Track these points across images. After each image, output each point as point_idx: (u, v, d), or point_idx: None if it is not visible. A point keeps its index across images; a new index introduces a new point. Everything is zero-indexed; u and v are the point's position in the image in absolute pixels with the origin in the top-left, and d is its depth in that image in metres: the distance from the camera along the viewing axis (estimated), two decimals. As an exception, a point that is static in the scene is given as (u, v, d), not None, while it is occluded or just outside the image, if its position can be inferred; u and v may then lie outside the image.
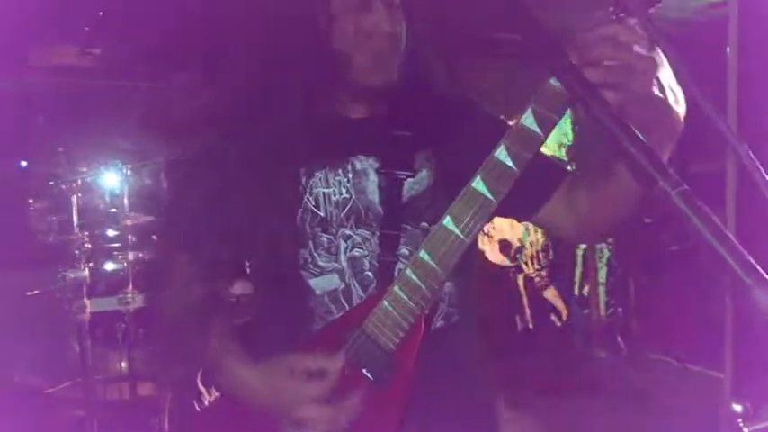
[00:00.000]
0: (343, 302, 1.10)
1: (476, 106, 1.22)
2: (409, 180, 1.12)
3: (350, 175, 1.12)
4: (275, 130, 1.07)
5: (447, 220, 0.97)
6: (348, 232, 1.11)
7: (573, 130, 4.42)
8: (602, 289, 4.27)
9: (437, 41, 1.17)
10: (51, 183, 3.35)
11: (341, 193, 1.12)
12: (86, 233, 3.30)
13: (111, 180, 3.52)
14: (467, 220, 0.96)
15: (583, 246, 4.26)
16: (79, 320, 3.17)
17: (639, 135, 0.68)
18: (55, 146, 3.35)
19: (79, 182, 3.33)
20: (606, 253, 4.28)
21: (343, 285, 1.10)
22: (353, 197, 1.11)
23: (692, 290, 3.71)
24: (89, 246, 3.29)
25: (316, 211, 1.11)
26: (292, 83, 1.07)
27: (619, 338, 4.10)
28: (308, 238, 1.10)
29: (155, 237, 1.33)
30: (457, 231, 0.96)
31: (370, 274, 1.10)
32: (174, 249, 1.13)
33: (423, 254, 0.98)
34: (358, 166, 1.13)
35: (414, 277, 0.98)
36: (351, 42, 1.07)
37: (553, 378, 3.80)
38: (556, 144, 4.43)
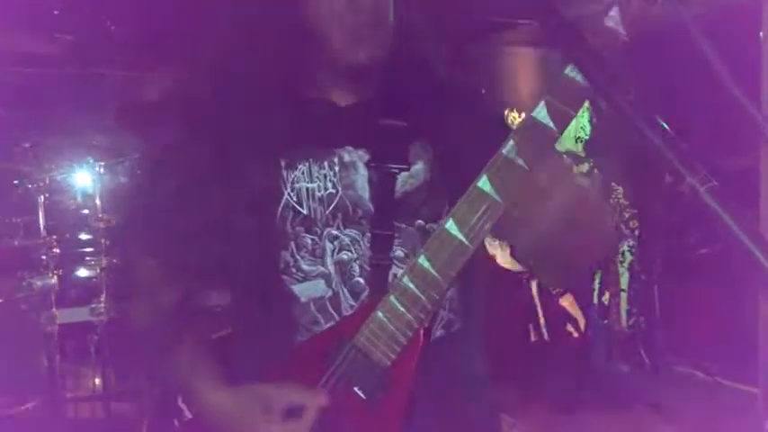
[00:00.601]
0: (332, 312, 1.08)
1: (479, 93, 1.21)
2: (403, 174, 1.10)
3: (336, 168, 1.10)
4: (251, 116, 1.04)
5: (450, 224, 0.96)
6: (335, 232, 1.09)
7: (590, 123, 4.41)
8: (623, 297, 4.25)
9: (436, 19, 1.15)
10: (16, 182, 3.34)
11: (326, 188, 1.09)
12: (55, 237, 3.29)
13: (83, 179, 3.51)
14: (472, 224, 0.95)
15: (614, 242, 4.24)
16: (47, 333, 3.16)
17: (666, 127, 0.68)
18: (20, 141, 3.34)
19: (47, 180, 3.32)
20: (628, 257, 4.27)
21: (330, 293, 1.08)
22: (340, 192, 1.09)
23: (723, 297, 3.69)
24: (57, 250, 3.28)
25: (298, 208, 1.08)
26: (268, 64, 1.05)
27: (642, 351, 4.09)
28: (289, 238, 1.08)
29: (121, 239, 1.32)
30: (461, 237, 0.95)
31: (360, 279, 1.08)
32: (141, 252, 1.11)
33: (422, 260, 0.96)
34: (346, 158, 1.10)
35: (412, 286, 0.97)
36: (325, 16, 1.05)
37: (570, 394, 3.78)
38: (572, 139, 4.42)
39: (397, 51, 1.09)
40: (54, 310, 3.20)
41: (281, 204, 1.08)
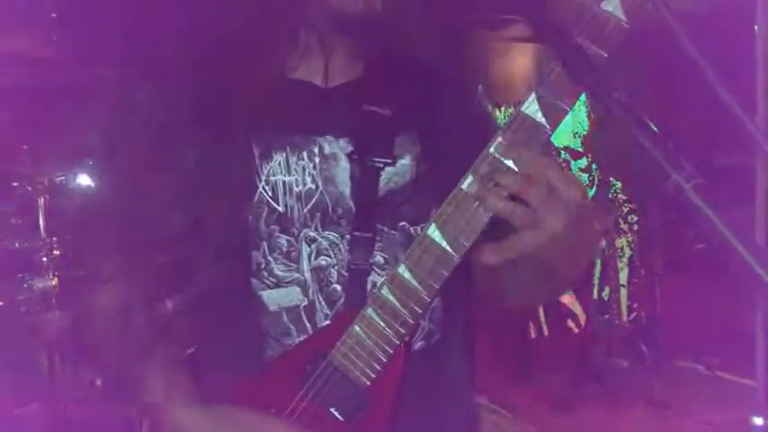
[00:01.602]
0: (306, 322, 0.97)
1: (473, 87, 1.11)
2: (388, 170, 0.99)
3: (317, 160, 0.98)
4: (222, 94, 0.91)
5: (432, 230, 0.85)
6: (312, 234, 0.97)
7: (588, 117, 4.29)
8: (623, 292, 4.15)
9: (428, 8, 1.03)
10: (15, 184, 3.25)
11: (305, 183, 0.97)
12: (55, 238, 3.21)
13: (83, 180, 3.42)
14: (457, 230, 0.84)
15: (602, 244, 4.15)
16: (48, 335, 3.08)
17: (652, 126, 0.66)
18: (19, 143, 3.25)
19: (46, 182, 3.23)
20: (627, 252, 4.16)
21: (305, 302, 0.97)
22: (320, 188, 0.97)
23: (723, 291, 3.60)
24: (58, 252, 3.19)
25: (273, 204, 0.97)
26: (249, 24, 0.92)
27: (642, 346, 3.99)
28: (261, 238, 0.96)
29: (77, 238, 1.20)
30: (444, 244, 0.85)
31: (338, 287, 0.97)
32: (99, 252, 0.99)
33: (402, 270, 0.86)
34: (327, 149, 0.98)
35: (391, 298, 0.87)
36: None
37: (570, 390, 3.69)
38: (570, 133, 4.31)
39: (389, 34, 0.97)
40: (55, 312, 3.12)
41: (255, 199, 0.96)
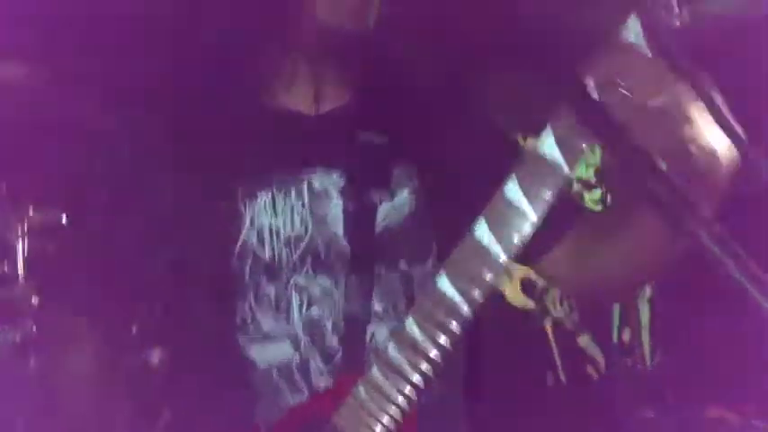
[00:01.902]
0: (299, 380, 0.93)
1: (480, 115, 1.09)
2: (384, 205, 0.96)
3: (305, 198, 0.95)
4: (201, 130, 0.91)
5: (442, 281, 0.83)
6: (303, 282, 0.94)
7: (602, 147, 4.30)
8: (645, 333, 4.10)
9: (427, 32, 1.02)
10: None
11: (293, 226, 0.93)
12: (34, 285, 3.18)
13: (63, 221, 3.41)
14: (469, 281, 0.81)
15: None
16: (25, 390, 3.04)
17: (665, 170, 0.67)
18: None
19: (26, 227, 3.22)
20: (648, 291, 4.12)
21: (297, 357, 0.93)
22: (311, 231, 0.94)
23: (754, 332, 3.54)
24: (37, 301, 3.17)
25: (258, 250, 0.94)
26: (228, 48, 0.91)
27: (668, 392, 3.93)
28: (247, 288, 0.93)
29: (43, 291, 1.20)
30: (456, 297, 0.82)
31: (334, 340, 0.93)
32: (71, 306, 0.97)
33: (410, 324, 0.83)
34: (316, 184, 0.95)
35: (399, 357, 0.83)
36: None
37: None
38: (582, 164, 4.31)
39: (383, 54, 0.96)
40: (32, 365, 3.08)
41: (238, 245, 0.93)
